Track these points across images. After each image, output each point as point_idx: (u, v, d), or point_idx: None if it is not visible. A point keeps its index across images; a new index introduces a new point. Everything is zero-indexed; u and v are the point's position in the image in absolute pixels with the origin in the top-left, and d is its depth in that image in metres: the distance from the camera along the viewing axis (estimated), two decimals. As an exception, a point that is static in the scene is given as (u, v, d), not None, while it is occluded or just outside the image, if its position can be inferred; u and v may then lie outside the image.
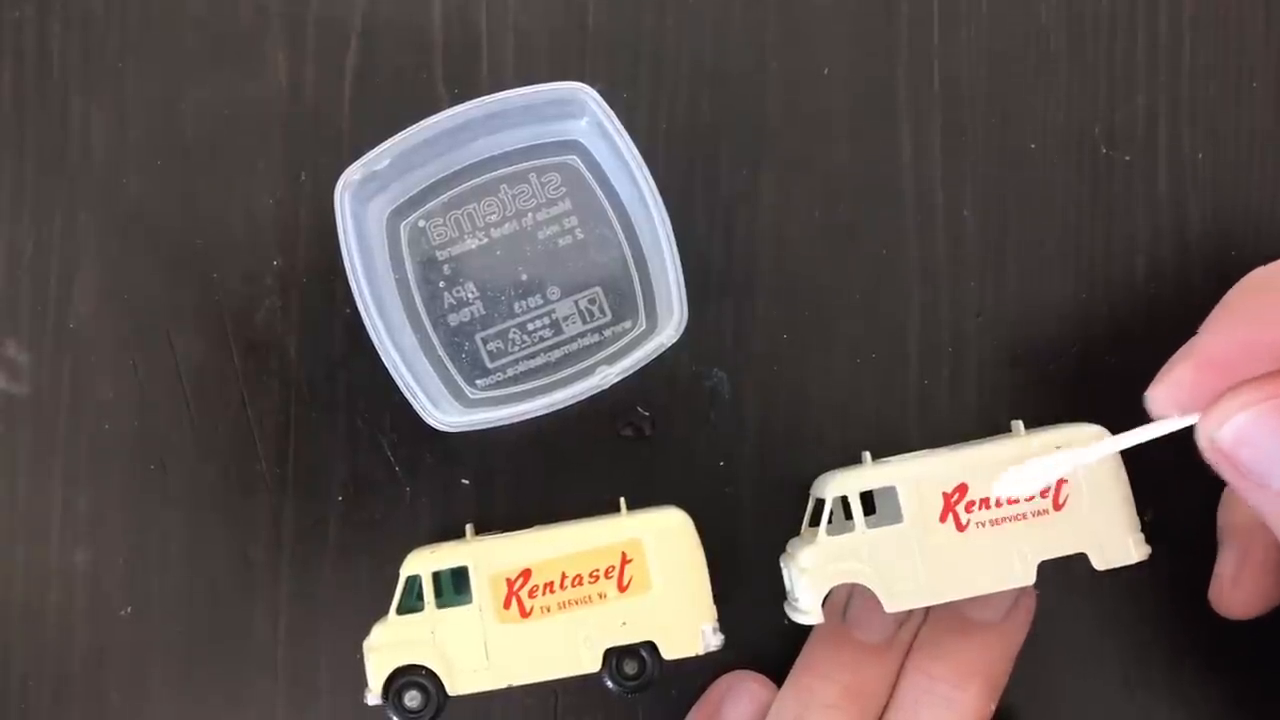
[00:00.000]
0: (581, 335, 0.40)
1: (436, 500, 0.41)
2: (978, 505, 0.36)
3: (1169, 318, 0.41)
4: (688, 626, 0.37)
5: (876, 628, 0.38)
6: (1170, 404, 0.32)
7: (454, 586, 0.37)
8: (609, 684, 0.37)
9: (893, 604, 0.36)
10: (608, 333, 0.40)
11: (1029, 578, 0.36)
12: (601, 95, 0.37)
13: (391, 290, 0.39)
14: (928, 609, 0.39)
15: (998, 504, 0.36)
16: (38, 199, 0.41)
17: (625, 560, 0.37)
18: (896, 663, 0.38)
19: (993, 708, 0.38)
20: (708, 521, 0.37)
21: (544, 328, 0.40)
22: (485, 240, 0.40)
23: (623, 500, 0.38)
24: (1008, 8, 0.42)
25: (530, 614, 0.36)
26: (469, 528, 0.39)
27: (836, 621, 0.38)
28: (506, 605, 0.37)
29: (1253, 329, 0.33)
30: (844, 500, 0.37)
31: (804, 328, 0.41)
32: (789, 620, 0.38)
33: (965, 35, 0.42)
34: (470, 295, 0.40)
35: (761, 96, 0.42)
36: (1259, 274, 0.35)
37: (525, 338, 0.40)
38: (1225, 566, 0.38)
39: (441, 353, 0.40)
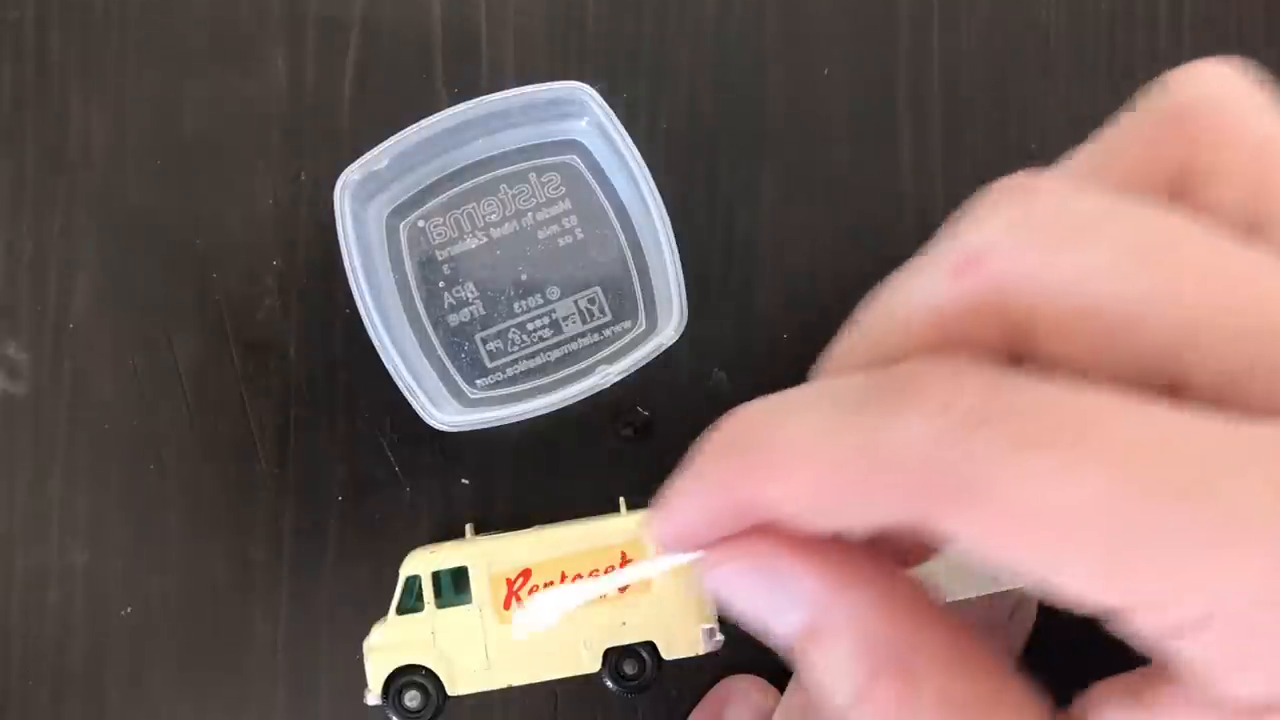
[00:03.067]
0: (581, 335, 0.40)
1: (436, 500, 0.41)
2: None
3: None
4: (688, 627, 0.37)
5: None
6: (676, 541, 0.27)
7: (454, 586, 0.37)
8: (609, 684, 0.37)
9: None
10: (608, 333, 0.40)
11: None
12: (601, 95, 0.37)
13: (391, 290, 0.39)
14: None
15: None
16: (38, 199, 0.41)
17: (625, 560, 0.37)
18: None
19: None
20: (708, 522, 0.37)
21: (544, 328, 0.40)
22: (485, 240, 0.40)
23: (623, 500, 0.38)
24: (1008, 8, 0.42)
25: (530, 614, 0.36)
26: (469, 528, 0.39)
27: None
28: (506, 605, 0.36)
29: (714, 488, 0.28)
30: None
31: (804, 328, 0.41)
32: None
33: (965, 35, 0.42)
34: (470, 295, 0.40)
35: (761, 97, 0.41)
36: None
37: (525, 338, 0.40)
38: None
39: (441, 353, 0.40)
